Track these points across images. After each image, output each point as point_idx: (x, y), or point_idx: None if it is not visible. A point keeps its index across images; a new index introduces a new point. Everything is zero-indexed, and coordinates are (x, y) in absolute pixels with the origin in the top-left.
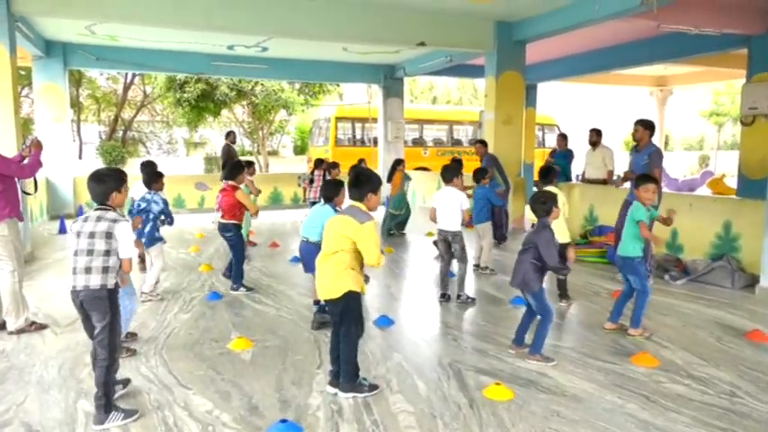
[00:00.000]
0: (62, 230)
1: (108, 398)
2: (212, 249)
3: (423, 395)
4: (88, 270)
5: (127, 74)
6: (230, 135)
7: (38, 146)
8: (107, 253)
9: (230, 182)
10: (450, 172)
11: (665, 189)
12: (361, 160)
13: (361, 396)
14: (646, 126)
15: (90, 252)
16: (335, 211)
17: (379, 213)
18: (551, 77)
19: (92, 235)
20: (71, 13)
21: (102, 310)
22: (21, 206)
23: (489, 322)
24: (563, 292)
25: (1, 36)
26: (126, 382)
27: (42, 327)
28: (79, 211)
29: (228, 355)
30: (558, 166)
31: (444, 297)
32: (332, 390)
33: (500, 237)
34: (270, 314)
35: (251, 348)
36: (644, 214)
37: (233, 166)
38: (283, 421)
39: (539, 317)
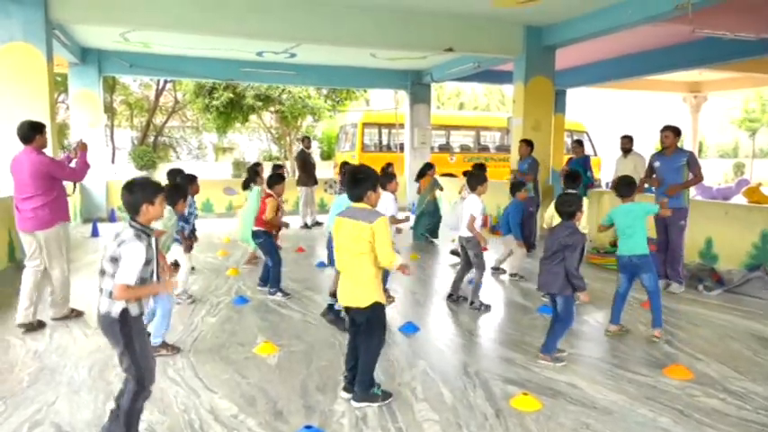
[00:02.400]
0: (94, 234)
1: (129, 428)
2: (239, 254)
3: (448, 404)
4: (101, 291)
5: (159, 80)
6: (305, 140)
7: (83, 147)
8: (114, 276)
9: (268, 190)
10: (474, 180)
11: (698, 197)
12: (389, 164)
13: (374, 405)
14: (676, 132)
15: (102, 272)
16: None
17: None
18: (581, 83)
19: (104, 255)
20: (105, 20)
21: (113, 338)
22: (68, 208)
23: (516, 330)
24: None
25: (38, 43)
26: None
27: (80, 313)
28: (111, 215)
29: (254, 360)
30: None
31: (450, 297)
32: (346, 395)
33: (529, 245)
34: (295, 319)
35: (276, 353)
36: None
37: (271, 177)
38: (308, 427)
39: (557, 319)
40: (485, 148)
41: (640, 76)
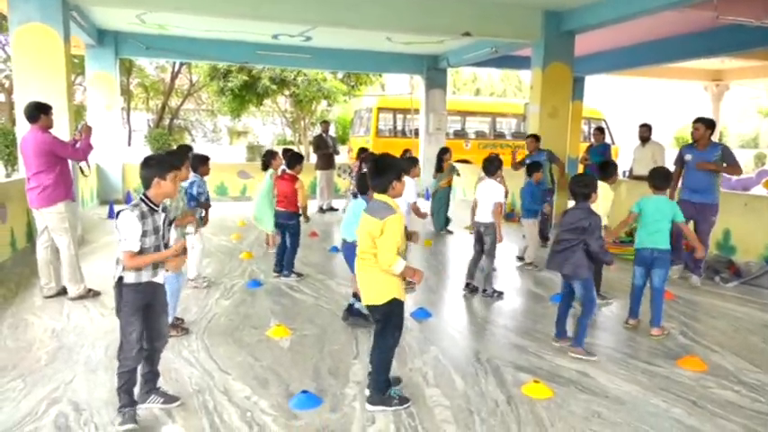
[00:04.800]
0: (111, 215)
1: (119, 395)
2: (253, 237)
3: (459, 390)
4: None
5: (174, 63)
6: (324, 124)
7: (87, 130)
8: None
9: (289, 171)
10: (493, 165)
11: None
12: (407, 151)
13: (390, 410)
14: (708, 125)
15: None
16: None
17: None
18: (601, 70)
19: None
20: (122, 1)
21: (116, 302)
22: (73, 188)
23: (528, 318)
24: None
25: (56, 24)
26: (173, 398)
27: (97, 293)
28: (127, 197)
29: (267, 343)
30: (592, 163)
31: (468, 287)
32: (370, 407)
33: (543, 237)
34: (308, 303)
35: (289, 336)
36: None
37: (292, 156)
38: (304, 392)
39: (581, 307)
40: (500, 135)
41: (661, 64)
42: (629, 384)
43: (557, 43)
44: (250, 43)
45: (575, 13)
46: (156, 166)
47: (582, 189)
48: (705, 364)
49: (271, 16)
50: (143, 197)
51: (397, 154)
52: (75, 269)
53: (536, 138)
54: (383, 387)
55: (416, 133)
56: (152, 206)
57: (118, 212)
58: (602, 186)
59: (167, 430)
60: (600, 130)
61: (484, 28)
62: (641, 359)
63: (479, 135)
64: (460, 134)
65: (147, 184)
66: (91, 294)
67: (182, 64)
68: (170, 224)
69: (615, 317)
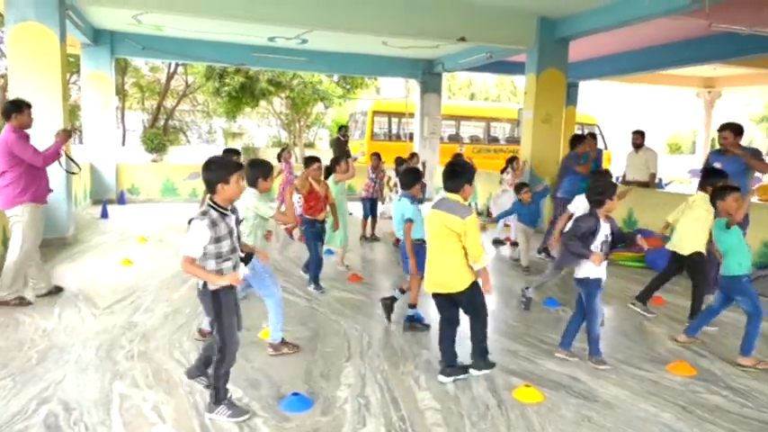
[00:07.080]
0: (104, 215)
1: (217, 390)
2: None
3: (451, 393)
4: None
5: (170, 64)
6: (341, 129)
7: (63, 136)
8: (204, 254)
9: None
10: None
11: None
12: (406, 158)
13: (488, 372)
14: (737, 131)
15: None
16: (412, 202)
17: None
18: (594, 76)
19: None
20: (118, 1)
21: (206, 308)
22: (43, 192)
23: (521, 323)
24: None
25: (52, 24)
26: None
27: (24, 304)
28: (120, 197)
29: (259, 344)
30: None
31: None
32: (445, 379)
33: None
34: (301, 305)
35: None
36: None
37: (304, 161)
38: (295, 394)
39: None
40: (494, 140)
41: (654, 70)
42: (619, 389)
43: (551, 50)
44: (246, 45)
45: (569, 20)
46: (218, 169)
47: (595, 195)
48: (694, 368)
49: (264, 18)
50: (211, 203)
51: (394, 157)
52: (12, 278)
53: (583, 138)
54: (485, 352)
55: (411, 137)
56: (222, 211)
57: (190, 221)
58: (701, 198)
59: (158, 430)
60: (593, 136)
61: (479, 34)
62: (631, 364)
63: (474, 140)
64: (455, 138)
65: (212, 189)
66: (12, 303)
67: (177, 64)
68: (239, 223)
69: (607, 322)
